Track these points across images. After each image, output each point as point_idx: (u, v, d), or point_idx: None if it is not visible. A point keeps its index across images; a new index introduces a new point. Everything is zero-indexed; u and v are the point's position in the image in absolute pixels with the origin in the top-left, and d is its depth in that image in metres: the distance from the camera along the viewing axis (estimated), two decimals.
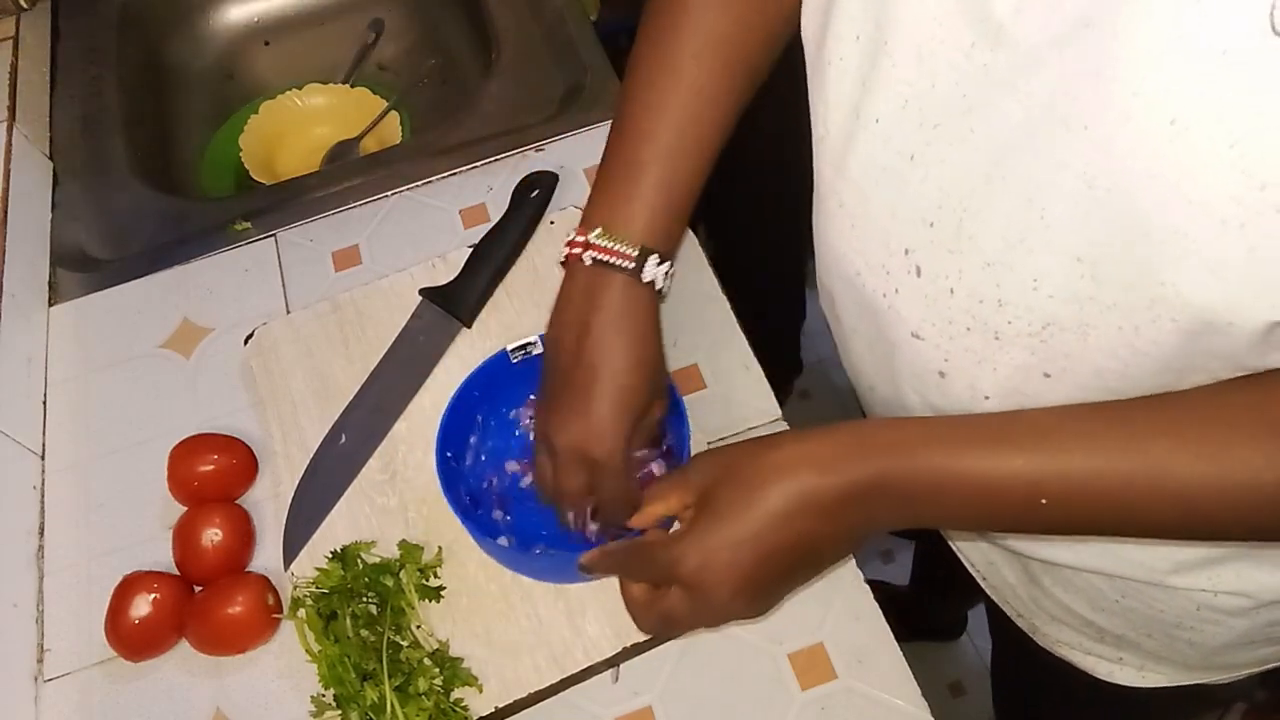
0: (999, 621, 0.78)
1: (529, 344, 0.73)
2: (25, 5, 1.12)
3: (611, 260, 0.59)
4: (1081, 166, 0.40)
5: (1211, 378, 0.44)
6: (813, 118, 0.56)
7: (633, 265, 0.59)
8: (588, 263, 0.60)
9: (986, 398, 0.52)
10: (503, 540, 0.71)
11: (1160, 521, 0.46)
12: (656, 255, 0.60)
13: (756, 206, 1.39)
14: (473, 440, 0.75)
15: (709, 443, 0.75)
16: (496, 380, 0.73)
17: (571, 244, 0.62)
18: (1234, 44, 0.34)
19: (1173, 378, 0.45)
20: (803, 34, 0.56)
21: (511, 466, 0.75)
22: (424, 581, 0.70)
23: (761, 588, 0.52)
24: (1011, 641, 0.77)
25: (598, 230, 0.60)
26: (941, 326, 0.51)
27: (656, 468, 0.71)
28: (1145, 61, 0.37)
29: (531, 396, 0.76)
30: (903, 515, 0.51)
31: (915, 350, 0.54)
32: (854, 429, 0.50)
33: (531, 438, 0.70)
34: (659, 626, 0.56)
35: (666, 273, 0.61)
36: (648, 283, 0.60)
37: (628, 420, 0.60)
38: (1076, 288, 0.43)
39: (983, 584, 0.76)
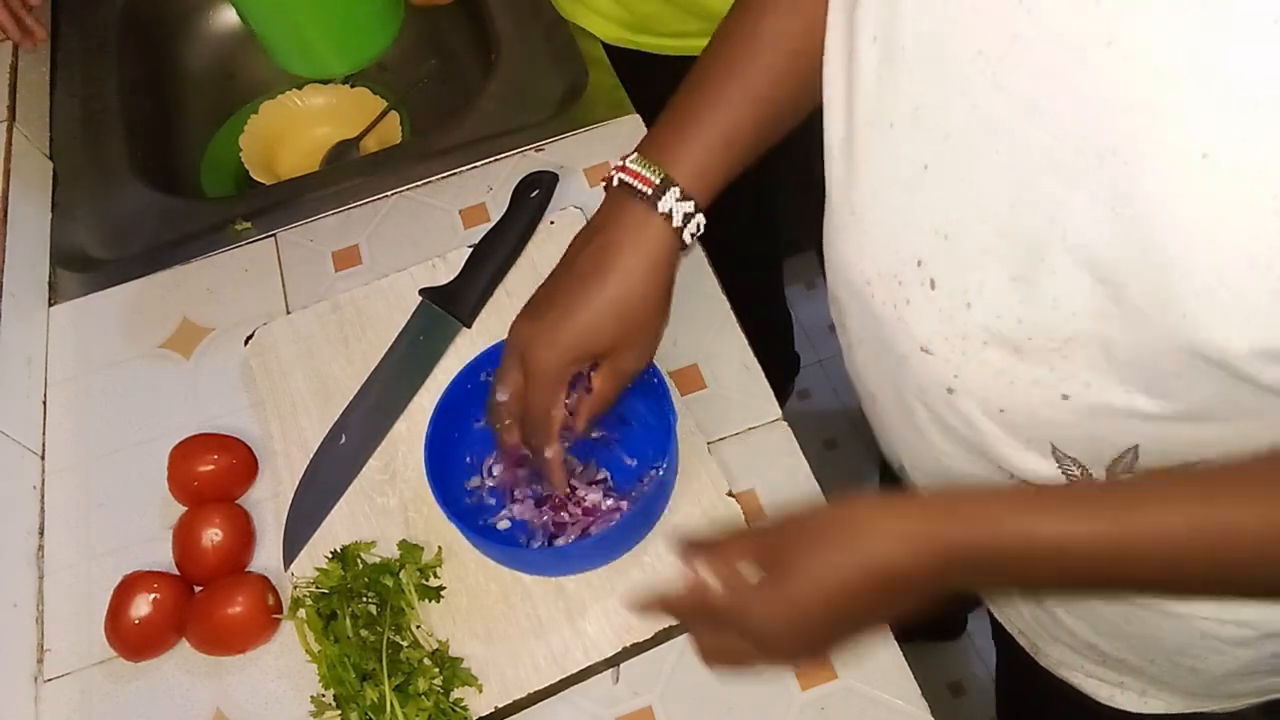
0: (1004, 637, 0.78)
1: None
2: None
3: (633, 183, 0.61)
4: (1109, 194, 0.40)
5: (1236, 405, 0.44)
6: (825, 120, 0.56)
7: (651, 192, 0.61)
8: (615, 184, 0.63)
9: (1001, 410, 0.51)
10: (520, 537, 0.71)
11: (1250, 583, 0.45)
12: (678, 189, 0.61)
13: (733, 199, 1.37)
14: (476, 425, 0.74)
15: (709, 443, 0.75)
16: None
17: (614, 165, 0.64)
18: (1271, 92, 0.34)
19: (1199, 401, 0.44)
20: (826, 42, 0.56)
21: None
22: (424, 581, 0.70)
23: (830, 646, 0.53)
24: (1015, 659, 0.77)
25: (634, 155, 0.63)
26: (955, 342, 0.51)
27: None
28: (1179, 95, 0.37)
29: None
30: (980, 583, 0.50)
31: (924, 364, 0.53)
32: (933, 505, 0.48)
33: None
34: (726, 669, 0.55)
35: (687, 214, 0.61)
36: (664, 214, 0.61)
37: (579, 345, 0.60)
38: (1101, 306, 0.43)
39: (988, 601, 0.76)
